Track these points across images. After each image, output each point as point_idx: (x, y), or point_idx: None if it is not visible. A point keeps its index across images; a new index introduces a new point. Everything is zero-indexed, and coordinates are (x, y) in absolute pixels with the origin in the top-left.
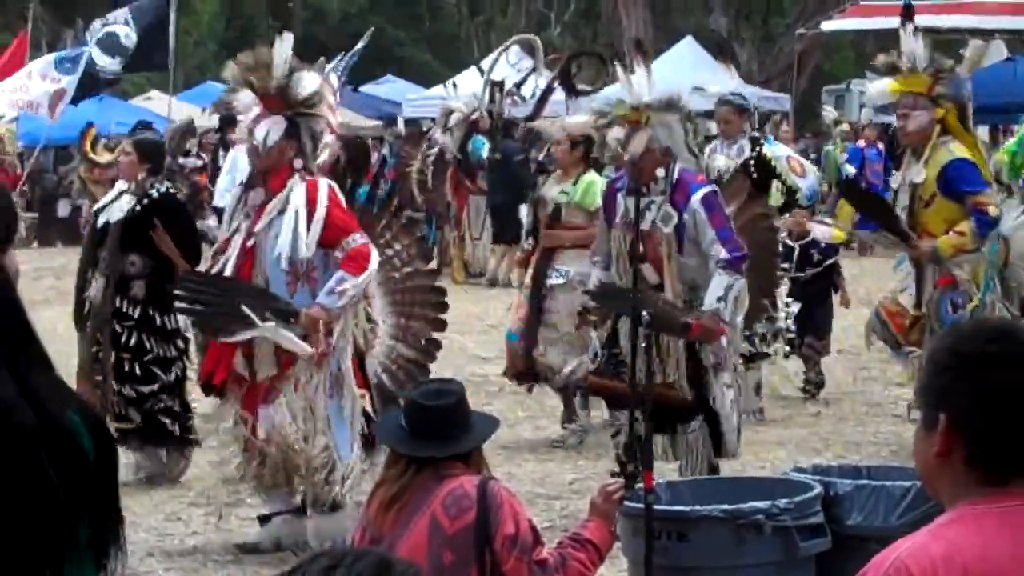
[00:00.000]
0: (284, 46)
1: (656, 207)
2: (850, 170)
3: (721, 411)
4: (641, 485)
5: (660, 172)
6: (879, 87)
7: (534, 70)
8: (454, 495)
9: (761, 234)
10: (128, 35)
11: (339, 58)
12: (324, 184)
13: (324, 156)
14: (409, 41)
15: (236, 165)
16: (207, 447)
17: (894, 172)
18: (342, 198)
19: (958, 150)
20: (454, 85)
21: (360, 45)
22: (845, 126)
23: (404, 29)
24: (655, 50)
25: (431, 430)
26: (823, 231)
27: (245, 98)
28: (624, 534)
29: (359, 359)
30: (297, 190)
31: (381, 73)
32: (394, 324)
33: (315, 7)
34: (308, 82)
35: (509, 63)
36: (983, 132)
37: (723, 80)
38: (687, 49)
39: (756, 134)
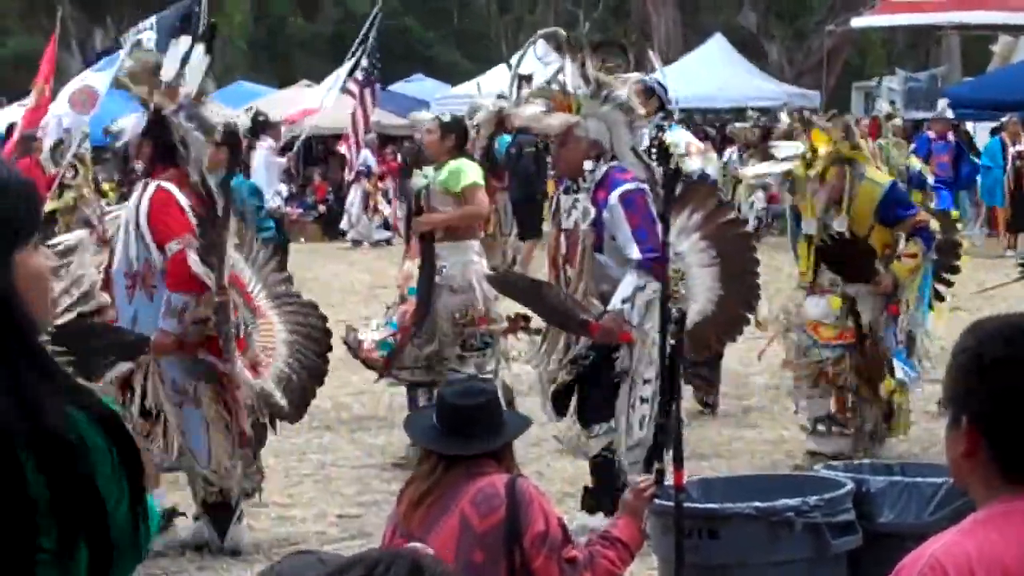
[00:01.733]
0: (178, 50)
1: (580, 203)
2: (915, 164)
3: (620, 420)
4: (671, 482)
5: (588, 166)
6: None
7: (560, 70)
8: (484, 493)
9: (732, 242)
10: (150, 39)
11: (354, 53)
12: (154, 187)
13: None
14: (438, 40)
15: (256, 167)
16: None
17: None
18: (182, 201)
19: (879, 176)
20: (478, 85)
21: (370, 31)
22: (899, 120)
23: (433, 28)
24: (684, 47)
25: (462, 428)
26: None
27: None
28: (654, 532)
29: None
30: (137, 194)
31: (410, 72)
32: (285, 340)
33: (345, 6)
34: (191, 79)
35: (536, 57)
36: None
37: (752, 77)
38: (716, 46)
39: (662, 121)
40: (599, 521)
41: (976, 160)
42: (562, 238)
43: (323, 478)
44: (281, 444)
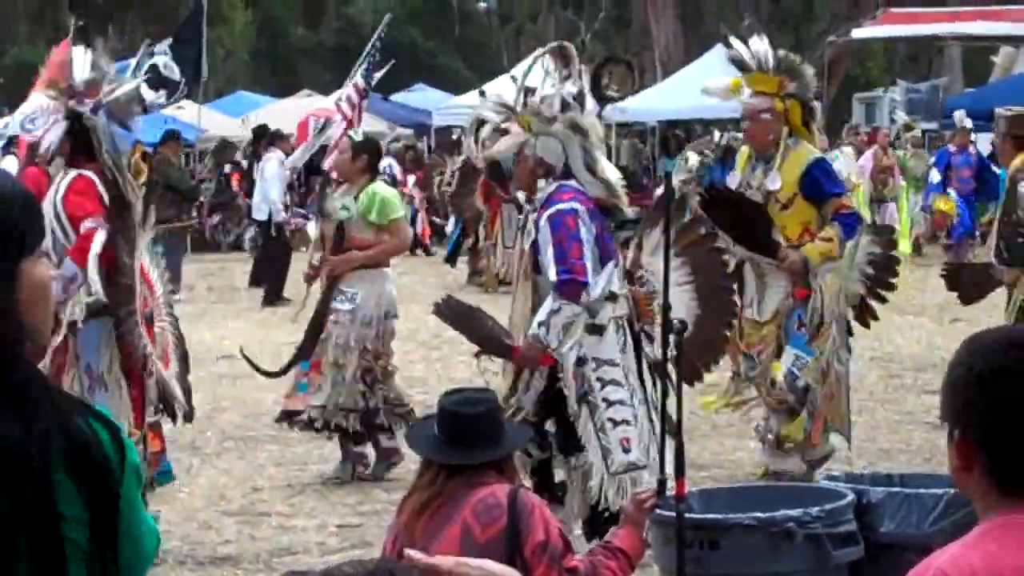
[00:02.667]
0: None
1: (529, 222)
2: (935, 176)
3: (590, 446)
4: (673, 493)
5: (542, 184)
6: (719, 84)
7: (568, 77)
8: (485, 503)
9: (705, 258)
10: (167, 64)
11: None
12: (74, 174)
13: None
14: (440, 49)
15: (264, 175)
16: (237, 458)
17: (732, 173)
18: (100, 189)
19: (816, 150)
20: (482, 93)
21: (376, 37)
22: (917, 132)
23: (435, 38)
24: (685, 58)
25: (463, 438)
26: None
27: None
28: (655, 542)
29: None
30: (56, 182)
31: (412, 82)
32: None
33: (347, 16)
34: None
35: (545, 71)
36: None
37: None
38: (717, 57)
39: None
40: None
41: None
42: (526, 255)
43: (324, 488)
44: (282, 454)
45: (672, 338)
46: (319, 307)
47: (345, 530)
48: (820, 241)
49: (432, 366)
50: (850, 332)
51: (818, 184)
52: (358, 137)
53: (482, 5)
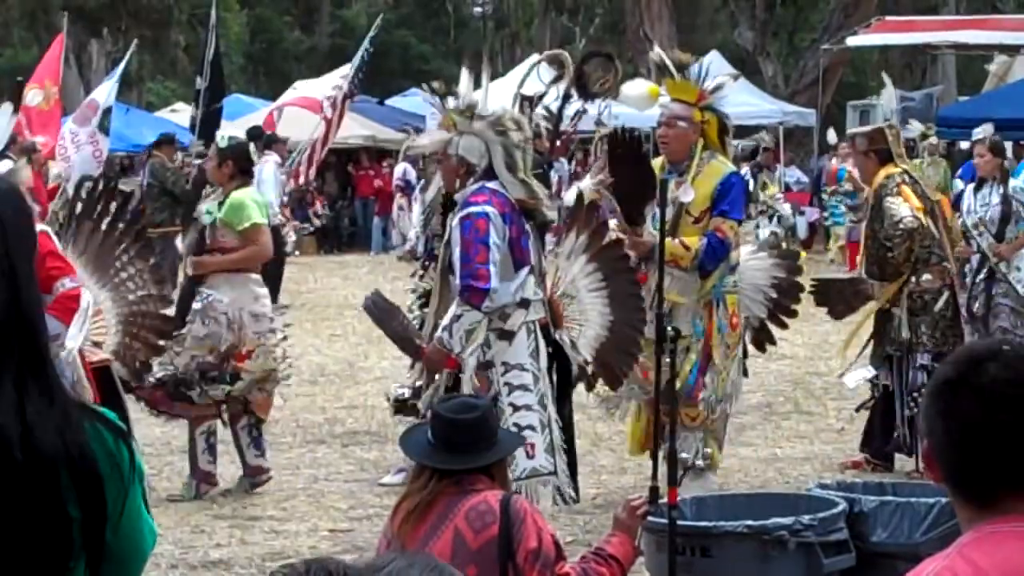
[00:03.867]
0: None
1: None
2: (958, 184)
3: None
4: (665, 500)
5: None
6: (637, 91)
7: (558, 79)
8: (477, 510)
9: (615, 264)
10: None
11: (353, 65)
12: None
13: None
14: (434, 54)
15: (260, 178)
16: (229, 462)
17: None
18: (54, 239)
19: (730, 166)
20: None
21: (367, 41)
22: (933, 139)
23: (429, 43)
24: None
25: (455, 443)
26: None
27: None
28: (648, 549)
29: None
30: None
31: (406, 86)
32: (118, 342)
33: (341, 19)
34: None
35: (540, 80)
36: (1008, 148)
37: (748, 95)
38: (713, 64)
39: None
40: None
41: None
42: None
43: (316, 492)
44: (275, 458)
45: (667, 345)
46: (178, 305)
47: (337, 534)
48: (678, 243)
49: None
50: (745, 354)
51: (722, 197)
52: (224, 143)
53: (476, 10)
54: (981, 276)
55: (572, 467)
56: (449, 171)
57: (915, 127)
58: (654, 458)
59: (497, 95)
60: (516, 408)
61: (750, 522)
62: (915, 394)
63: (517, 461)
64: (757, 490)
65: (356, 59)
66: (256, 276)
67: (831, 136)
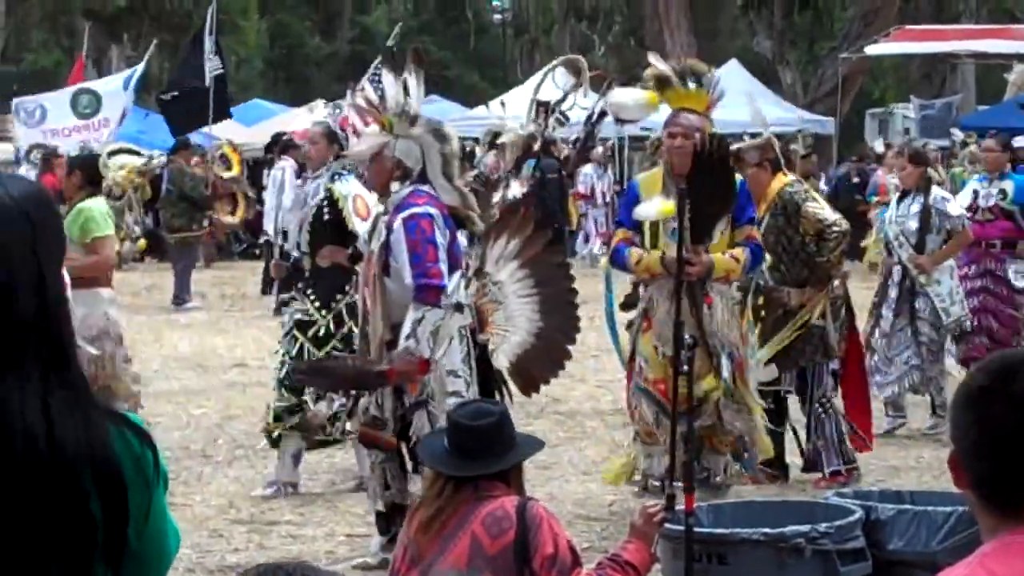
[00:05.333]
0: None
1: (380, 225)
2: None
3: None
4: (682, 507)
5: (395, 187)
6: (633, 97)
7: (578, 86)
8: (494, 515)
9: (551, 270)
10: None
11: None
12: None
13: None
14: (454, 61)
15: (275, 184)
16: (248, 466)
17: (646, 201)
18: None
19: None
20: (502, 104)
21: (390, 42)
22: (974, 147)
23: (449, 49)
24: None
25: (470, 450)
26: None
27: None
28: (664, 556)
29: None
30: None
31: (426, 93)
32: None
33: (361, 25)
34: None
35: (556, 85)
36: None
37: (767, 103)
38: (732, 72)
39: (341, 169)
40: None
41: None
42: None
43: (333, 497)
44: None
45: (684, 354)
46: None
47: (354, 539)
48: (730, 257)
49: None
50: None
51: (741, 208)
52: (74, 152)
53: (496, 17)
54: (902, 287)
55: None
56: (382, 172)
57: (956, 135)
58: (671, 465)
59: (516, 102)
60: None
61: (767, 529)
62: (823, 400)
63: None
64: (774, 498)
65: (373, 69)
66: (107, 292)
67: (879, 146)
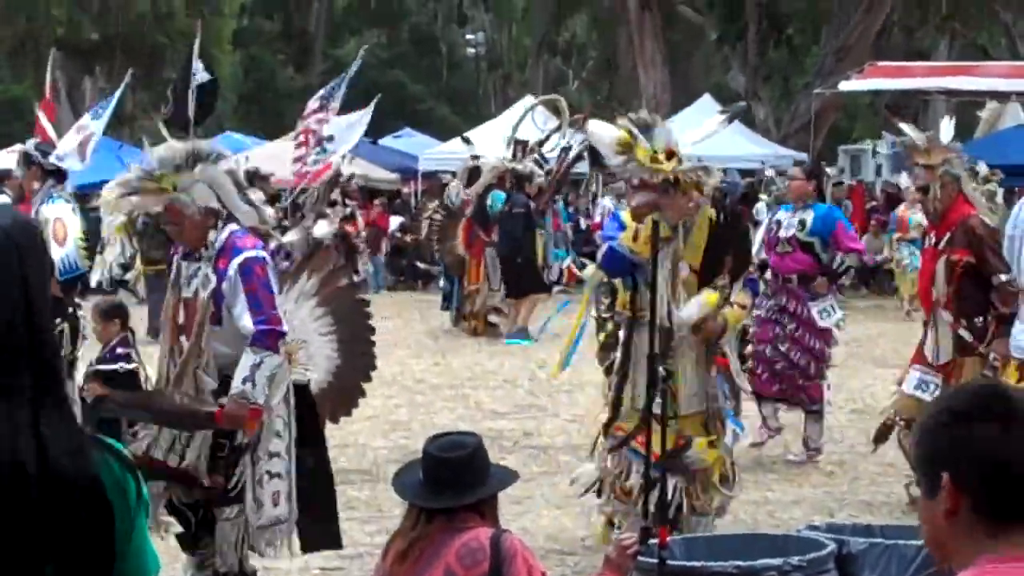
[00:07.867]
0: None
1: (201, 272)
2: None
3: (247, 498)
4: (656, 540)
5: (212, 235)
6: (609, 133)
7: (558, 129)
8: (468, 547)
9: (348, 308)
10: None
11: (332, 86)
12: None
13: None
14: (427, 95)
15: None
16: None
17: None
18: None
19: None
20: (466, 140)
21: (352, 70)
22: (993, 186)
23: (422, 83)
24: (672, 107)
25: (445, 482)
26: None
27: None
28: None
29: None
30: None
31: (399, 126)
32: None
33: (334, 58)
34: None
35: (536, 125)
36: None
37: (740, 138)
38: (705, 106)
39: (51, 190)
40: None
41: None
42: (181, 307)
43: None
44: None
45: (659, 385)
46: None
47: (328, 572)
48: (737, 308)
49: (415, 411)
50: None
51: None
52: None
53: (470, 51)
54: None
55: (331, 509)
56: (195, 228)
57: (982, 168)
58: (645, 499)
59: (488, 135)
60: (271, 455)
61: (739, 563)
62: None
63: (264, 509)
64: (747, 531)
65: (332, 87)
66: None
67: (903, 181)
